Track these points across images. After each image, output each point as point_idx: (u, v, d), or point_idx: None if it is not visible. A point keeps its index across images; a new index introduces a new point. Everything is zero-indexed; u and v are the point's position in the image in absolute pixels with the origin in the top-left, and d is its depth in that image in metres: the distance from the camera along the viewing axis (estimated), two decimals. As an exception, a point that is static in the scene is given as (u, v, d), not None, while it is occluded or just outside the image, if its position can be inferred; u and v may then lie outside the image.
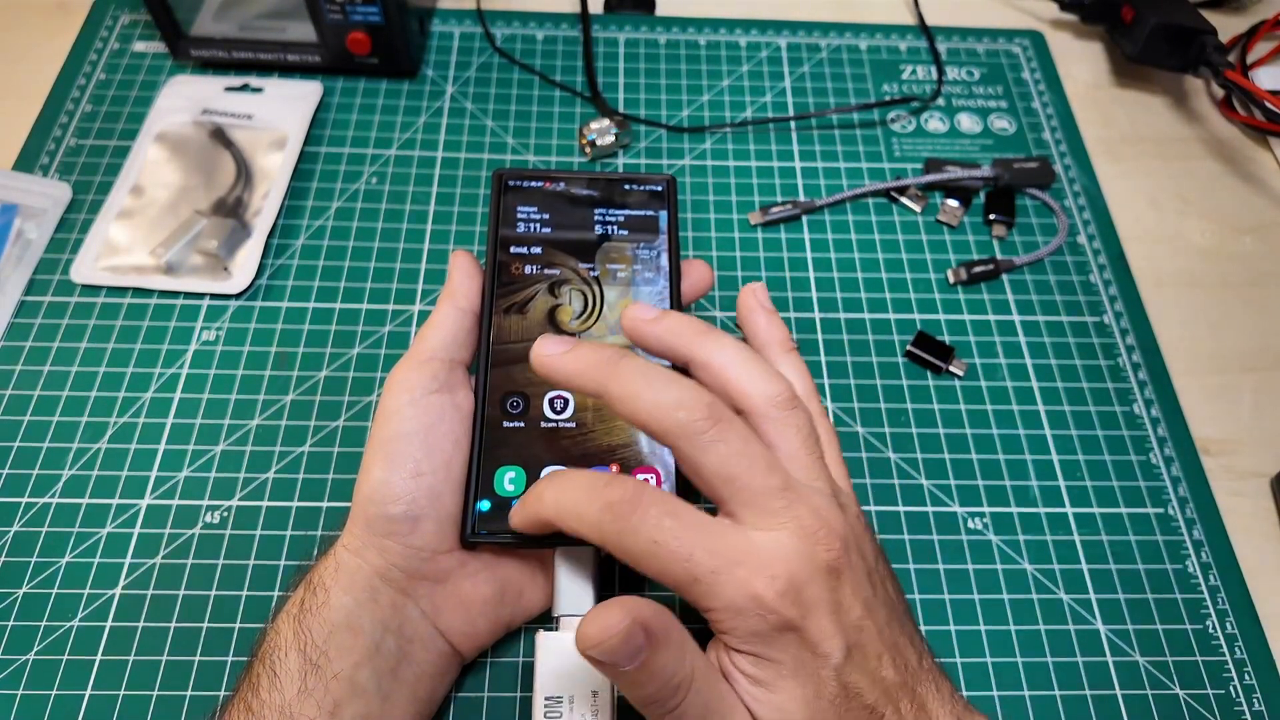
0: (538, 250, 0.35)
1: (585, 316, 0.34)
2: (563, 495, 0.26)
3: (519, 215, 0.35)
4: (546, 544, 0.30)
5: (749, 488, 0.25)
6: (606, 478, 0.25)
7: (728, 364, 0.27)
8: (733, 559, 0.24)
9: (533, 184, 0.36)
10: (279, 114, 0.46)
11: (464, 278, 0.32)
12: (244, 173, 0.44)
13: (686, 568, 0.24)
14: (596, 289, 0.34)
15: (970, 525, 0.37)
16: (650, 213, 0.36)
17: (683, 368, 0.28)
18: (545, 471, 0.30)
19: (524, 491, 0.29)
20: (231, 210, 0.43)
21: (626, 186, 0.37)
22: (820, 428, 0.29)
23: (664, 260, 0.35)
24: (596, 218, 0.36)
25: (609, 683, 0.27)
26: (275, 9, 0.46)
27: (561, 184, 0.36)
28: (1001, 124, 0.50)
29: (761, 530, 0.25)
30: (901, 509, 0.38)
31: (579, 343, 0.27)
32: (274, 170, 0.45)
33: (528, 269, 0.34)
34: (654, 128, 0.48)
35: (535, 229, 0.35)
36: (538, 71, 0.50)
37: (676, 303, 0.34)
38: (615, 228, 0.36)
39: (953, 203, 0.46)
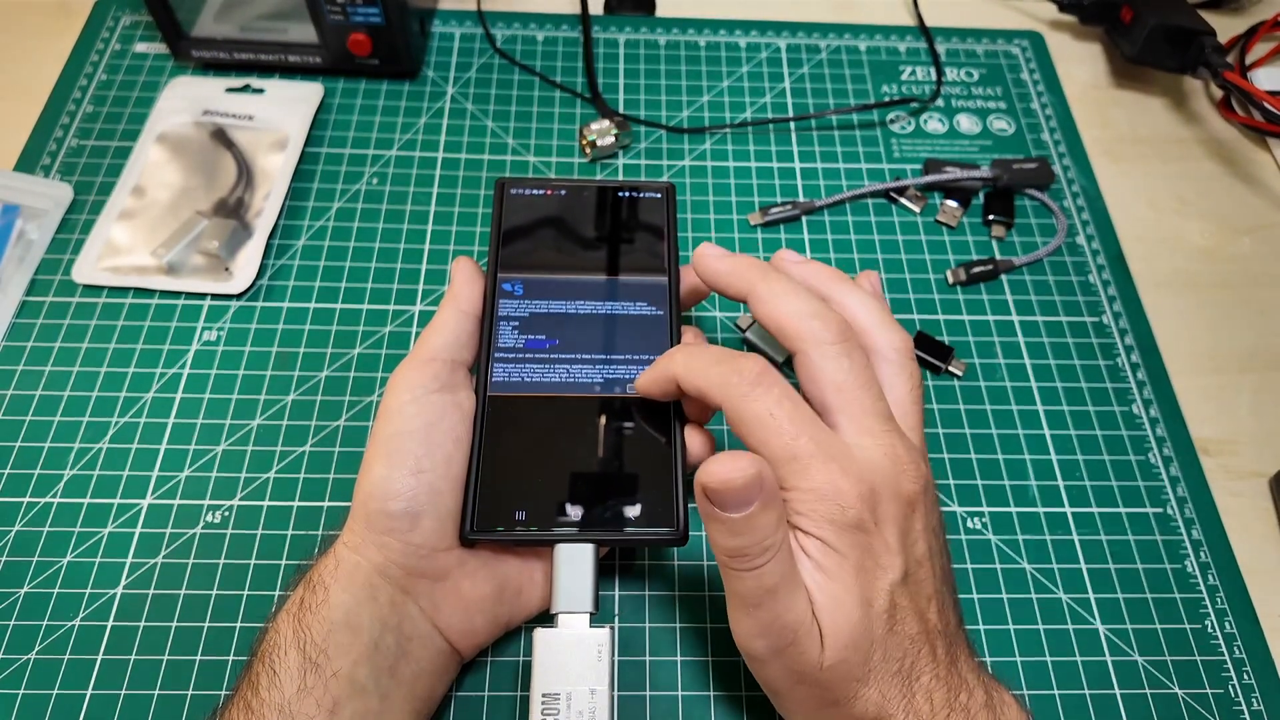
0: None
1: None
2: (693, 358, 0.29)
3: (520, 224, 0.36)
4: (543, 542, 0.30)
5: (858, 403, 0.28)
6: (737, 351, 0.28)
7: (861, 307, 0.31)
8: (830, 452, 0.26)
9: (534, 192, 0.36)
10: (280, 115, 0.46)
11: (466, 282, 0.33)
12: (245, 173, 0.44)
13: (790, 445, 0.26)
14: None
15: (969, 525, 0.37)
16: (650, 220, 0.36)
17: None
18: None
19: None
20: (233, 211, 0.43)
21: (626, 194, 0.37)
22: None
23: (664, 266, 0.35)
24: (597, 225, 0.36)
25: (607, 679, 0.27)
26: (276, 10, 0.46)
27: (562, 191, 0.37)
28: (1000, 125, 0.50)
29: (857, 444, 0.27)
30: (900, 509, 0.38)
31: (736, 253, 0.31)
32: (275, 171, 0.45)
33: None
34: (654, 128, 0.49)
35: (536, 237, 0.35)
36: (538, 72, 0.50)
37: (675, 308, 0.34)
38: (615, 235, 0.36)
39: (952, 203, 0.46)
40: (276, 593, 0.34)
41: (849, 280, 0.32)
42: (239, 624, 0.34)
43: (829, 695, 0.26)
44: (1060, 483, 0.39)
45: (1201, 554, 0.37)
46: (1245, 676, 0.35)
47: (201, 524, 0.36)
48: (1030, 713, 0.28)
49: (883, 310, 0.31)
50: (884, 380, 0.29)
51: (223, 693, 0.32)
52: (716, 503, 0.24)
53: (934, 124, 0.50)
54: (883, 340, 0.30)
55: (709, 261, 0.31)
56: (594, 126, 0.47)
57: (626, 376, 0.33)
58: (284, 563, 0.35)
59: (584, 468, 0.31)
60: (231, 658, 0.33)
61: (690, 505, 0.31)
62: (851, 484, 0.26)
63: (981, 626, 0.35)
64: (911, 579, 0.27)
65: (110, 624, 0.33)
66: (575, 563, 0.29)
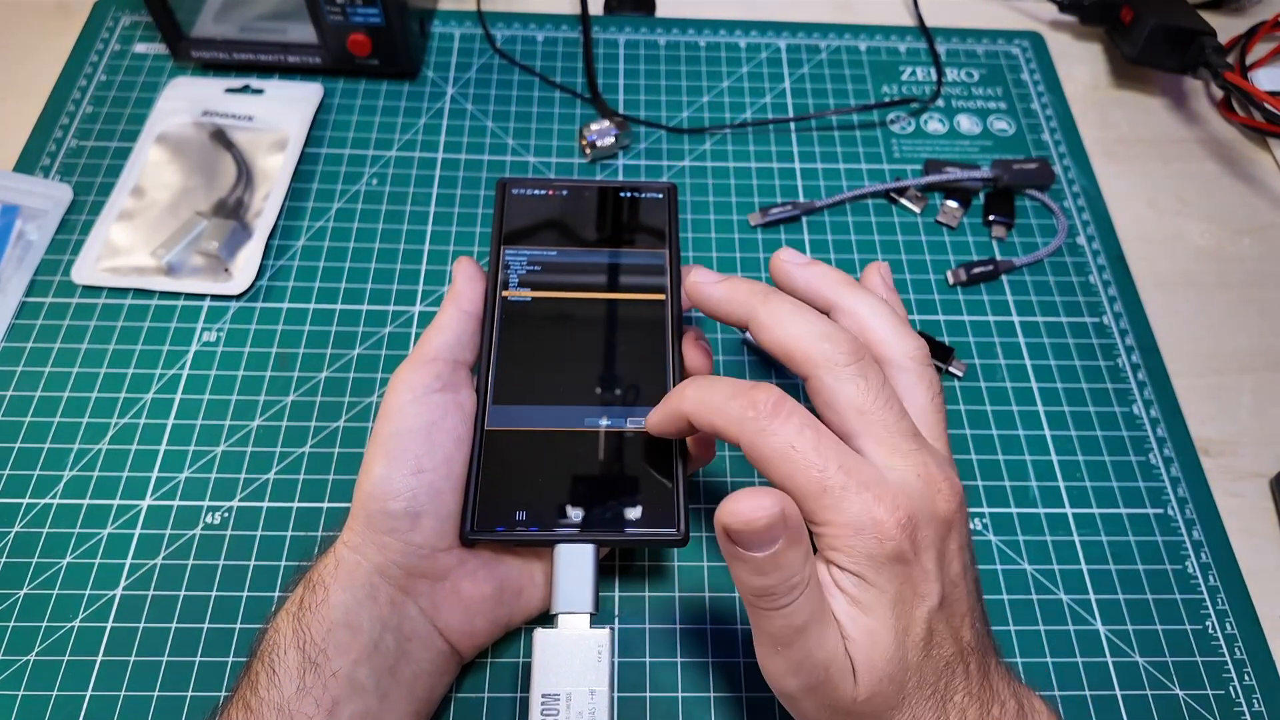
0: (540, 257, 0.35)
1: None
2: (704, 393, 0.27)
3: (521, 223, 0.36)
4: (544, 543, 0.30)
5: (883, 424, 0.26)
6: (751, 382, 0.26)
7: (871, 314, 0.29)
8: (862, 481, 0.25)
9: (535, 192, 0.36)
10: (280, 115, 0.46)
11: (467, 282, 0.33)
12: (245, 174, 0.44)
13: (819, 478, 0.24)
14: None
15: (970, 526, 0.37)
16: (651, 220, 0.36)
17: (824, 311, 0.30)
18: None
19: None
20: (232, 211, 0.43)
21: (627, 194, 0.37)
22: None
23: (665, 266, 0.35)
24: (598, 225, 0.36)
25: (607, 680, 0.27)
26: (276, 10, 0.46)
27: (564, 191, 0.37)
28: (1001, 125, 0.50)
29: (888, 466, 0.26)
30: (901, 509, 0.37)
31: (732, 276, 0.30)
32: (275, 171, 0.45)
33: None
34: (654, 129, 0.49)
35: (538, 237, 0.35)
36: (538, 73, 0.50)
37: (677, 309, 0.34)
38: (617, 235, 0.36)
39: (952, 204, 0.46)
40: (276, 593, 0.34)
41: (855, 284, 0.30)
42: (238, 625, 0.33)
43: None
44: (1061, 483, 0.39)
45: (1202, 555, 0.37)
46: (1246, 677, 0.34)
47: (201, 525, 0.36)
48: (1060, 715, 0.28)
49: (894, 316, 0.29)
50: (902, 391, 0.28)
51: (222, 694, 0.32)
52: (739, 543, 0.23)
53: (934, 124, 0.50)
54: (897, 349, 0.28)
55: (703, 289, 0.30)
56: (594, 127, 0.47)
57: (626, 377, 0.33)
58: (283, 564, 0.35)
59: (584, 468, 0.31)
60: (231, 659, 0.33)
61: (691, 506, 0.31)
62: (888, 513, 0.24)
63: (982, 627, 0.35)
64: (948, 602, 0.26)
65: (110, 625, 0.33)
66: (575, 563, 0.29)
